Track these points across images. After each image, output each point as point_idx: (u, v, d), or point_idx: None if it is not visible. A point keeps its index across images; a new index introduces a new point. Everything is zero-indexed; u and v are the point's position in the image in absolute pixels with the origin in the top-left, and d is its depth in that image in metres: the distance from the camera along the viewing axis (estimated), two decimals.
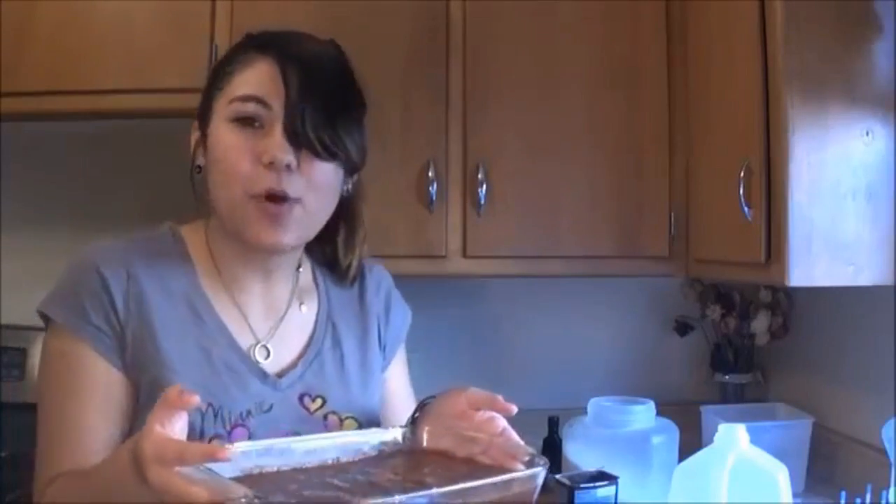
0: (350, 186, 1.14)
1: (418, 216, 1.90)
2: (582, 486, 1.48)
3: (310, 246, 1.18)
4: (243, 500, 0.64)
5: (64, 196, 2.22)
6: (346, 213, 1.17)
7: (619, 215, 1.95)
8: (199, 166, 1.10)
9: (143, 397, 1.02)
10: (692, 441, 1.83)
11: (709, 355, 2.29)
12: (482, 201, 1.90)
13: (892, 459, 1.50)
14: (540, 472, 0.85)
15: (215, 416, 1.03)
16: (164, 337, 1.04)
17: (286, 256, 1.13)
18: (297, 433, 1.03)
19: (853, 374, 1.89)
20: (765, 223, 1.54)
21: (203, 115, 1.10)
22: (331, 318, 1.20)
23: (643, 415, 1.81)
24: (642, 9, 1.96)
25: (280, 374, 1.11)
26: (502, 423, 0.95)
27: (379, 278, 1.29)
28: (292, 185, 1.03)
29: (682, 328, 2.30)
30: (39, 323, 1.03)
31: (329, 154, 1.05)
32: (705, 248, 1.87)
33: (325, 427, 1.10)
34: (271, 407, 1.08)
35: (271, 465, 0.86)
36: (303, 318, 1.17)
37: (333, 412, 1.12)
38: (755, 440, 1.50)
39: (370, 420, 1.16)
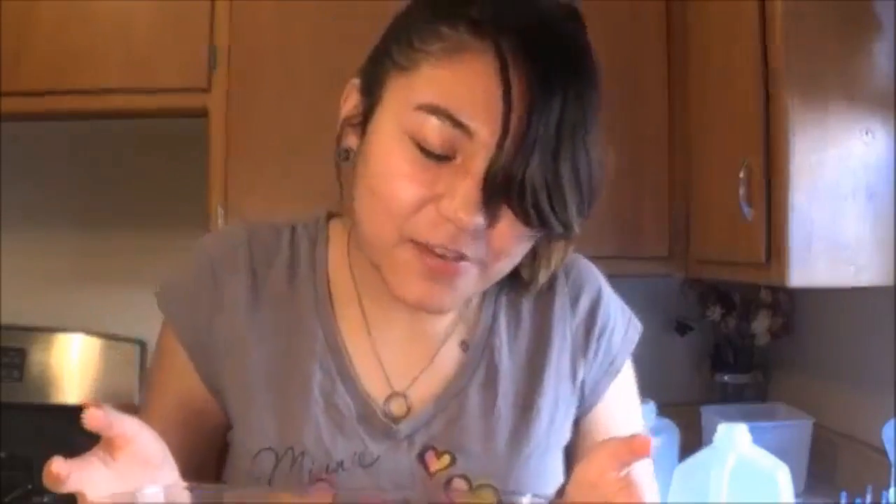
0: None
1: None
2: None
3: None
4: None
5: (64, 196, 2.22)
6: None
7: (619, 216, 1.95)
8: (347, 150, 0.77)
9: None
10: (692, 441, 1.83)
11: (709, 355, 2.29)
12: None
13: (892, 459, 1.50)
14: None
15: (293, 463, 0.77)
16: (255, 358, 0.81)
17: None
18: (405, 501, 0.77)
19: (853, 374, 1.89)
20: (765, 223, 1.53)
21: (369, 84, 0.75)
22: (490, 342, 0.84)
23: (643, 415, 1.81)
24: (642, 9, 1.96)
25: (398, 418, 0.80)
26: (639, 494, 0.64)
27: (579, 285, 0.90)
28: (473, 248, 0.71)
29: (682, 328, 2.30)
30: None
31: (542, 225, 0.70)
32: (705, 248, 1.86)
33: (446, 496, 0.79)
34: (376, 459, 0.78)
35: None
36: (457, 353, 0.84)
37: (463, 476, 0.79)
38: (755, 440, 1.51)
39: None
